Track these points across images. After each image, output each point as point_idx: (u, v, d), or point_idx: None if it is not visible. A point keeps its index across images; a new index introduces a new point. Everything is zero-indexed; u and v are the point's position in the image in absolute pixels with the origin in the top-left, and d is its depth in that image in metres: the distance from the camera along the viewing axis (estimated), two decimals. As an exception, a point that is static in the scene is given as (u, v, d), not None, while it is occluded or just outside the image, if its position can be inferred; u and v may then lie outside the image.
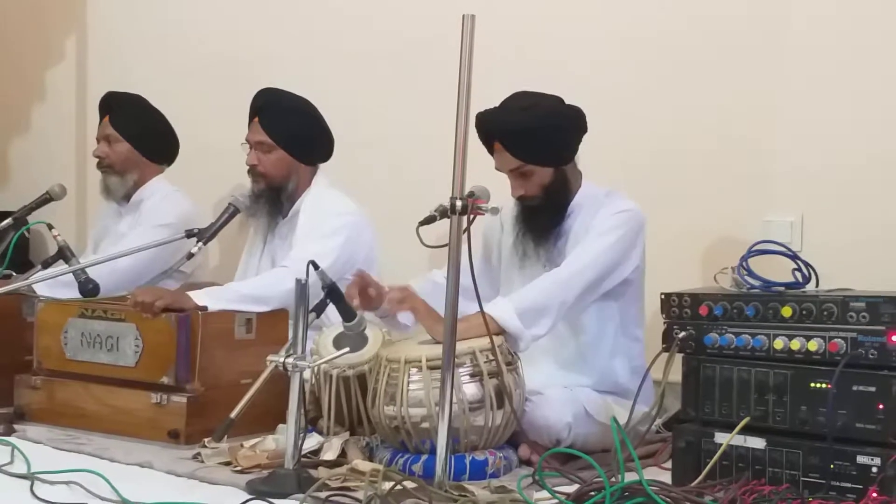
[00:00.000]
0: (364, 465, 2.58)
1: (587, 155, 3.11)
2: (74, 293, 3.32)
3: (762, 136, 3.36)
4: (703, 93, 3.44)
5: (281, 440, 2.73)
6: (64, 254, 3.37)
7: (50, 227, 3.45)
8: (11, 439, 2.96)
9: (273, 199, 3.52)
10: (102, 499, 2.41)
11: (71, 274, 3.31)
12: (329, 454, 2.77)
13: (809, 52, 3.28)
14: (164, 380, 3.07)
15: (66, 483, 2.53)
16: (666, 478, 2.56)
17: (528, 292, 2.90)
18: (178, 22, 4.54)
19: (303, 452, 2.66)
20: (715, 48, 3.43)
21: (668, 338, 2.65)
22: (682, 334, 2.63)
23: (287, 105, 3.53)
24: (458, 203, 2.45)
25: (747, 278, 2.69)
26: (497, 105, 3.03)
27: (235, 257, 3.91)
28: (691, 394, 2.61)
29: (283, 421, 2.67)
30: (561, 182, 3.05)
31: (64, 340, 3.26)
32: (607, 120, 3.39)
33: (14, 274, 3.57)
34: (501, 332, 2.81)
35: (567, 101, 3.05)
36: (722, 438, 2.52)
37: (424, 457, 2.65)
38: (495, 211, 2.58)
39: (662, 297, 2.70)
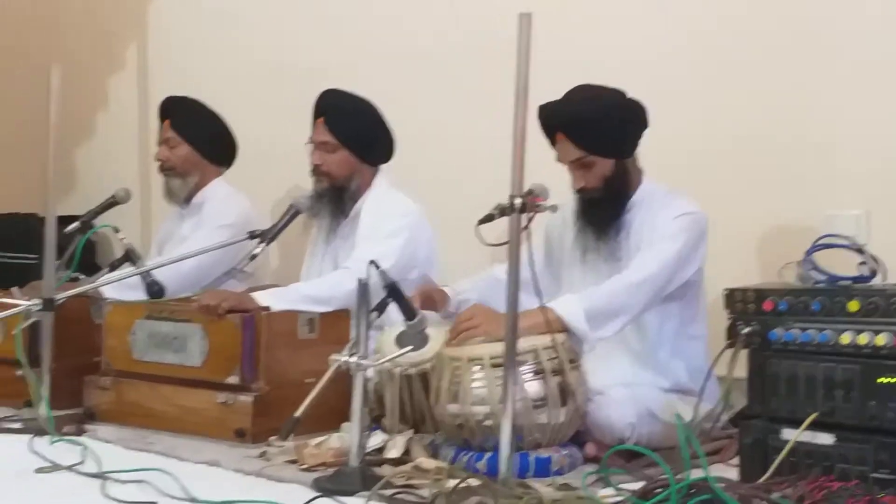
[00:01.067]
0: (428, 463, 2.59)
1: (649, 151, 3.10)
2: (141, 295, 3.38)
3: (825, 129, 3.32)
4: (765, 86, 3.41)
5: (345, 438, 2.75)
6: (130, 256, 3.43)
7: (116, 230, 3.51)
8: (82, 439, 3.02)
9: (336, 199, 3.55)
10: (172, 497, 2.45)
11: (137, 276, 3.36)
12: (393, 452, 2.79)
13: (875, 42, 3.23)
14: (230, 379, 3.11)
15: (137, 482, 2.57)
16: (732, 475, 2.54)
17: (598, 295, 2.90)
18: (236, 27, 4.60)
19: (367, 450, 2.68)
20: (777, 40, 3.39)
21: (732, 333, 2.63)
22: (746, 330, 2.60)
23: (351, 106, 3.57)
24: (517, 201, 2.45)
25: (812, 273, 2.66)
26: (560, 98, 3.03)
27: (295, 258, 3.94)
28: (757, 390, 2.58)
29: (347, 419, 2.69)
30: (621, 175, 3.05)
31: (131, 342, 3.31)
32: (670, 116, 3.36)
33: (81, 277, 3.63)
34: (566, 330, 2.81)
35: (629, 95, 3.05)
36: (789, 434, 2.49)
37: (488, 454, 2.65)
38: (554, 208, 2.58)
39: (726, 292, 2.67)
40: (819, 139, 3.33)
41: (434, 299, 3.00)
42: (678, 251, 2.95)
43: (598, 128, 2.98)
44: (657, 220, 2.99)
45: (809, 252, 2.68)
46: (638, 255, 2.97)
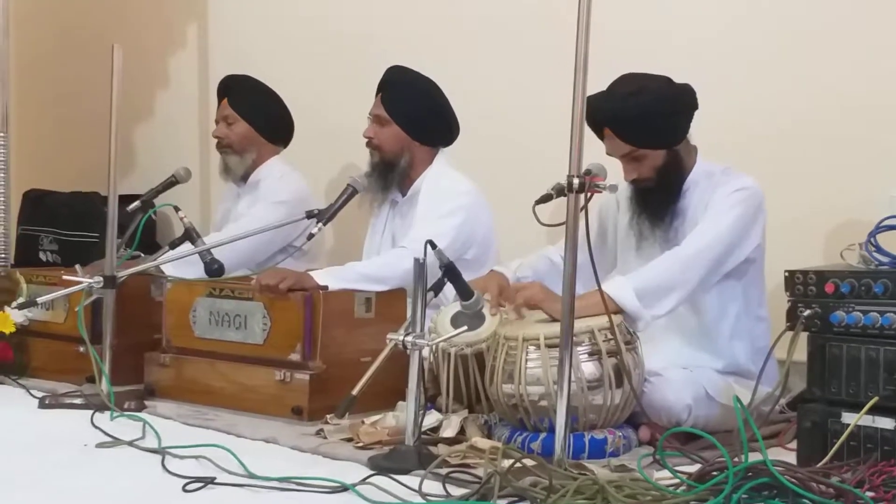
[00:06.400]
0: (483, 443, 2.60)
1: (706, 133, 3.06)
2: (200, 273, 3.42)
3: (887, 109, 3.26)
4: (825, 65, 3.35)
5: (401, 417, 2.77)
6: (190, 235, 3.47)
7: (176, 209, 3.55)
8: (143, 415, 3.06)
9: (385, 174, 3.56)
10: (230, 472, 2.47)
11: (197, 255, 3.40)
12: (448, 431, 2.80)
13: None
14: (293, 357, 3.14)
15: (195, 457, 2.60)
16: (790, 459, 2.51)
17: (649, 272, 2.87)
18: (295, 6, 4.61)
19: (423, 429, 2.69)
20: (835, 17, 3.33)
21: (792, 316, 2.60)
22: (807, 312, 2.57)
23: (409, 83, 3.58)
24: (576, 181, 2.44)
25: (875, 255, 2.62)
26: (605, 89, 2.98)
27: (350, 237, 3.96)
28: (817, 373, 2.55)
29: (403, 398, 2.70)
30: (674, 162, 3.01)
31: (192, 319, 3.35)
32: (726, 97, 3.33)
33: (142, 255, 3.68)
34: (620, 311, 2.79)
35: (684, 78, 3.00)
36: (849, 419, 2.46)
37: (543, 435, 2.66)
38: (613, 188, 2.55)
39: (787, 274, 2.64)
40: (882, 118, 3.27)
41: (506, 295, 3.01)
42: (731, 224, 2.90)
43: (644, 122, 2.93)
44: (714, 200, 2.95)
45: (872, 234, 2.64)
46: (693, 231, 2.94)
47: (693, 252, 2.88)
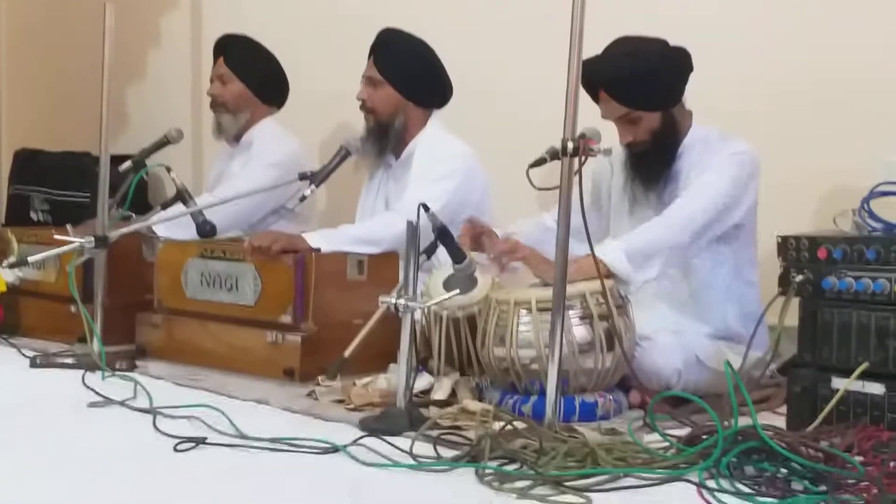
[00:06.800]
0: (474, 406, 2.60)
1: (701, 97, 3.05)
2: (192, 234, 3.40)
3: (881, 75, 3.24)
4: (820, 31, 3.33)
5: (392, 379, 2.77)
6: (182, 196, 3.45)
7: (168, 169, 3.53)
8: (134, 375, 3.07)
9: (380, 137, 3.54)
10: (221, 433, 2.48)
11: (189, 215, 3.39)
12: (440, 394, 2.80)
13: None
14: (284, 318, 3.14)
15: (187, 418, 2.61)
16: (780, 423, 2.52)
17: (639, 235, 2.87)
18: (291, -34, 4.57)
19: (414, 392, 2.70)
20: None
21: (784, 281, 2.60)
22: (799, 278, 2.57)
23: (402, 44, 3.56)
24: (570, 144, 2.43)
25: (869, 221, 2.61)
26: (600, 52, 2.97)
27: (343, 200, 3.95)
28: (808, 339, 2.56)
29: (395, 361, 2.70)
30: (669, 125, 3.00)
31: (184, 280, 3.35)
32: (722, 62, 3.31)
33: (134, 216, 3.66)
34: (610, 274, 2.79)
35: (680, 42, 2.99)
36: (839, 384, 2.47)
37: (534, 398, 2.66)
38: (608, 152, 2.54)
39: (779, 239, 2.64)
40: (877, 84, 3.26)
41: (481, 241, 2.98)
42: (723, 188, 2.90)
43: (640, 84, 2.92)
44: (710, 162, 2.95)
45: (866, 199, 2.64)
46: (684, 192, 2.93)
47: (682, 217, 2.88)
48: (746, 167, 2.94)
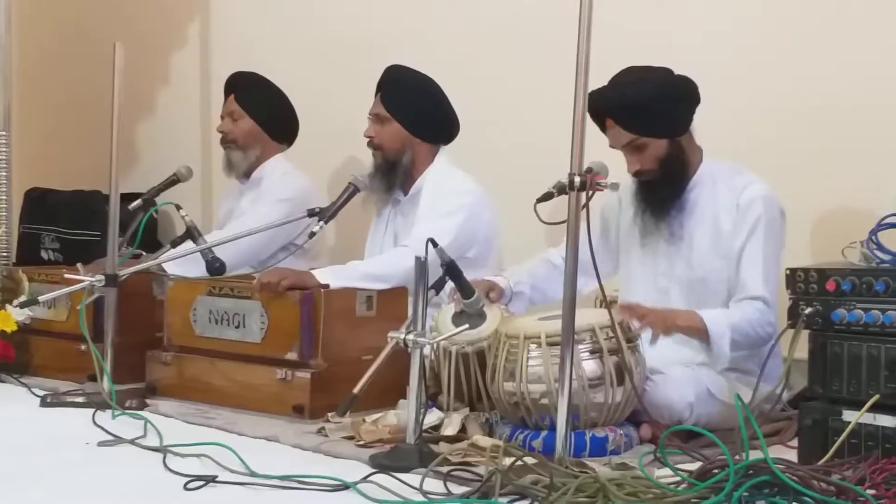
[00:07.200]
0: (484, 441, 2.60)
1: (710, 127, 3.06)
2: (202, 271, 3.42)
3: (889, 106, 3.25)
4: (827, 62, 3.35)
5: (402, 415, 2.77)
6: (191, 233, 3.47)
7: (178, 207, 3.55)
8: (144, 413, 3.06)
9: (388, 173, 3.56)
10: (232, 471, 2.47)
11: (198, 253, 3.40)
12: (449, 429, 2.80)
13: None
14: (289, 355, 3.14)
15: (197, 456, 2.61)
16: (791, 456, 2.51)
17: (744, 327, 2.89)
18: (298, 5, 4.61)
19: (424, 428, 2.70)
20: (840, 14, 3.33)
21: (793, 314, 2.60)
22: (808, 310, 2.57)
23: (408, 81, 3.58)
24: (577, 179, 2.44)
25: (877, 252, 2.62)
26: (606, 83, 3.00)
27: (352, 236, 3.96)
28: (818, 371, 2.55)
29: (404, 396, 2.70)
30: (676, 154, 3.01)
31: (193, 317, 3.35)
32: (730, 92, 3.32)
33: (144, 253, 3.69)
34: (707, 338, 2.85)
35: (688, 74, 3.01)
36: (850, 416, 2.46)
37: (544, 433, 2.66)
38: (615, 186, 2.55)
39: (788, 272, 2.64)
40: (884, 115, 3.26)
41: (489, 297, 3.03)
42: (772, 253, 2.95)
43: (645, 109, 2.94)
44: (742, 218, 2.96)
45: (874, 231, 2.64)
46: (752, 278, 2.92)
47: (769, 311, 2.92)
48: (779, 221, 2.99)
